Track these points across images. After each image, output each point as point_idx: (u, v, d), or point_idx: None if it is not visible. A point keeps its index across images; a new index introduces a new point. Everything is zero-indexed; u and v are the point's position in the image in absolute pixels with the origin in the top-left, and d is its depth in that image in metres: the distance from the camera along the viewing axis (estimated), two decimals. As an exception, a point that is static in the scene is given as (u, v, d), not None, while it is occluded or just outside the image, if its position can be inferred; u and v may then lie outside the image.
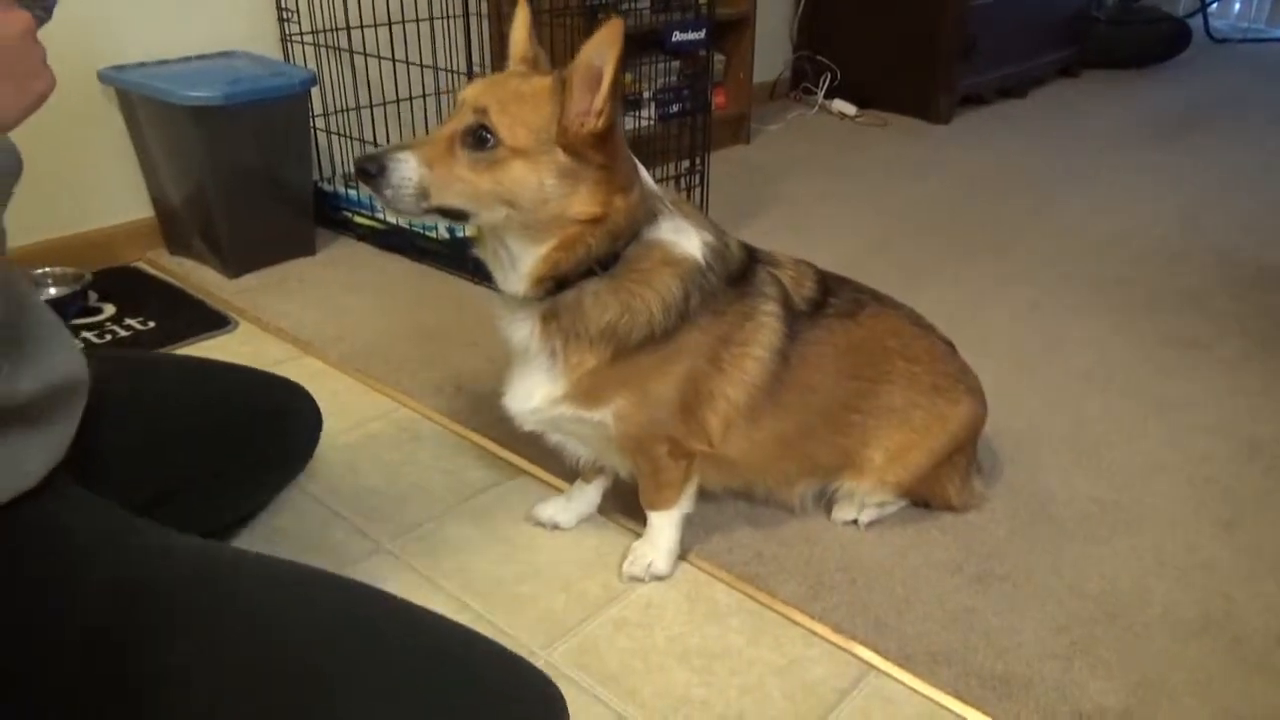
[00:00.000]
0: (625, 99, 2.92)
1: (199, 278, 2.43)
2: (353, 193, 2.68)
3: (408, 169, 1.15)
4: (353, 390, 1.96)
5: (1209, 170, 3.58)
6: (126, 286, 2.38)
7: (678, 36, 2.59)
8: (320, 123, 2.71)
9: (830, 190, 3.26)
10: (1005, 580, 1.47)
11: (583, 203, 1.20)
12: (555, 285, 1.25)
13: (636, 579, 1.46)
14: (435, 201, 1.17)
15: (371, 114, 2.73)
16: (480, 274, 2.24)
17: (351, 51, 2.66)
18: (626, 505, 1.58)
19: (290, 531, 1.55)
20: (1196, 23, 5.76)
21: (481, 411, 1.83)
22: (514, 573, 1.47)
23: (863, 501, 1.55)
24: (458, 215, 1.20)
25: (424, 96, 2.69)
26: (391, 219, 2.54)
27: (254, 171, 2.37)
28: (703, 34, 2.63)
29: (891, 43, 4.04)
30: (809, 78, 4.27)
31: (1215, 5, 6.20)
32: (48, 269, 2.27)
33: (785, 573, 1.47)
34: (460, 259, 2.41)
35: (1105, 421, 1.92)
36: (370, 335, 2.16)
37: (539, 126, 1.16)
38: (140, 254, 2.54)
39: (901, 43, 4.02)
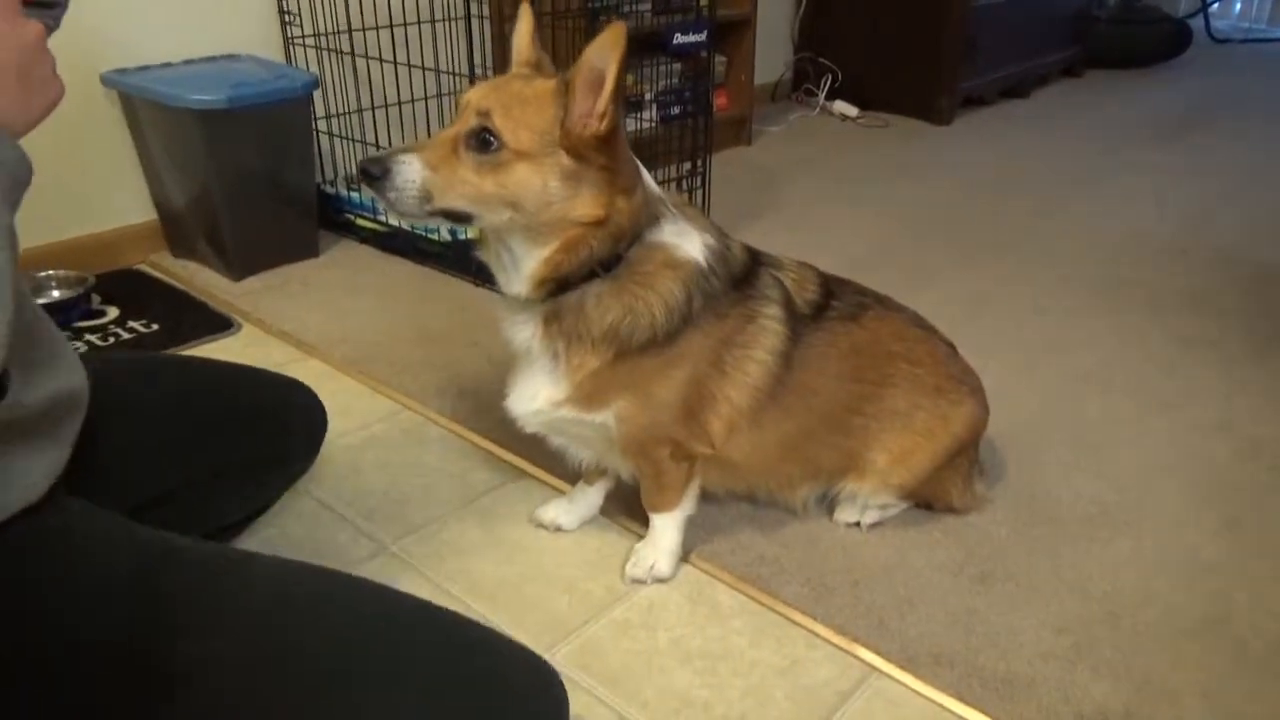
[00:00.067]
0: (627, 101, 2.92)
1: (202, 280, 2.44)
2: (355, 195, 2.68)
3: (411, 171, 1.15)
4: (355, 392, 1.96)
5: (1211, 170, 3.58)
6: (130, 289, 2.38)
7: (679, 38, 2.59)
8: (323, 125, 2.71)
9: (832, 192, 3.26)
10: (1007, 581, 1.48)
11: (585, 205, 1.20)
12: (557, 287, 1.26)
13: (639, 581, 1.46)
14: (439, 204, 1.18)
15: (374, 116, 2.74)
16: (482, 276, 2.24)
17: (354, 54, 2.66)
18: (629, 507, 1.58)
19: (293, 534, 1.55)
20: (1198, 23, 5.77)
21: (484, 413, 1.84)
22: (517, 574, 1.48)
23: (865, 503, 1.56)
24: (461, 218, 1.20)
25: (426, 99, 2.69)
26: (394, 221, 2.54)
27: (257, 174, 2.38)
28: (704, 36, 2.63)
29: (893, 44, 4.05)
30: (810, 79, 4.27)
31: (1216, 5, 6.20)
32: (51, 272, 2.28)
33: (787, 574, 1.47)
34: (462, 261, 2.41)
35: (1107, 422, 1.92)
36: (373, 337, 2.16)
37: (542, 129, 1.16)
38: (143, 257, 2.55)
39: (903, 44, 4.03)
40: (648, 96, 2.98)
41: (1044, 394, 2.02)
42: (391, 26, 2.66)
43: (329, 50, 2.67)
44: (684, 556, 1.50)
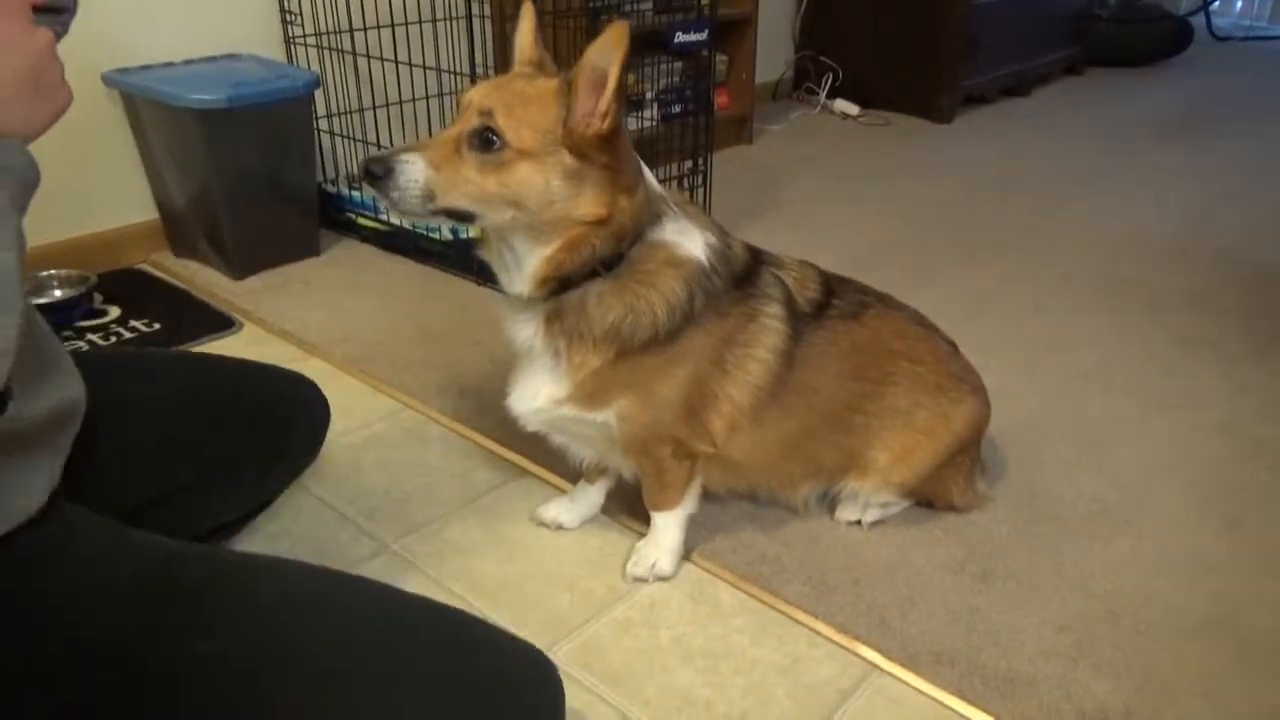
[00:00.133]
0: (628, 99, 2.92)
1: (204, 279, 2.44)
2: (356, 194, 2.68)
3: (414, 171, 1.15)
4: (357, 391, 1.97)
5: (1212, 169, 3.58)
6: (131, 289, 2.39)
7: (680, 37, 2.59)
8: (324, 124, 2.71)
9: (833, 190, 3.26)
10: (1008, 580, 1.48)
11: (588, 204, 1.20)
12: (559, 286, 1.26)
13: (640, 579, 1.46)
14: (441, 203, 1.18)
15: (375, 116, 2.74)
16: (484, 275, 2.25)
17: (355, 53, 2.66)
18: (630, 506, 1.58)
19: (295, 532, 1.55)
20: (1199, 21, 5.76)
21: (485, 412, 1.84)
22: (518, 573, 1.48)
23: (866, 502, 1.56)
24: (463, 217, 1.21)
25: (427, 98, 2.69)
26: (395, 220, 2.54)
27: (258, 173, 2.38)
28: (705, 34, 2.63)
29: (894, 42, 4.05)
30: (811, 78, 4.27)
31: (1217, 3, 6.20)
32: (53, 271, 2.28)
33: (789, 573, 1.48)
34: (464, 260, 2.41)
35: (1108, 421, 1.92)
36: (374, 336, 2.16)
37: (544, 128, 1.17)
38: (145, 256, 2.55)
39: (904, 42, 4.03)
40: (649, 95, 2.98)
41: (1045, 392, 2.02)
42: (393, 25, 2.66)
43: (330, 49, 2.67)
44: (685, 555, 1.50)
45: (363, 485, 1.67)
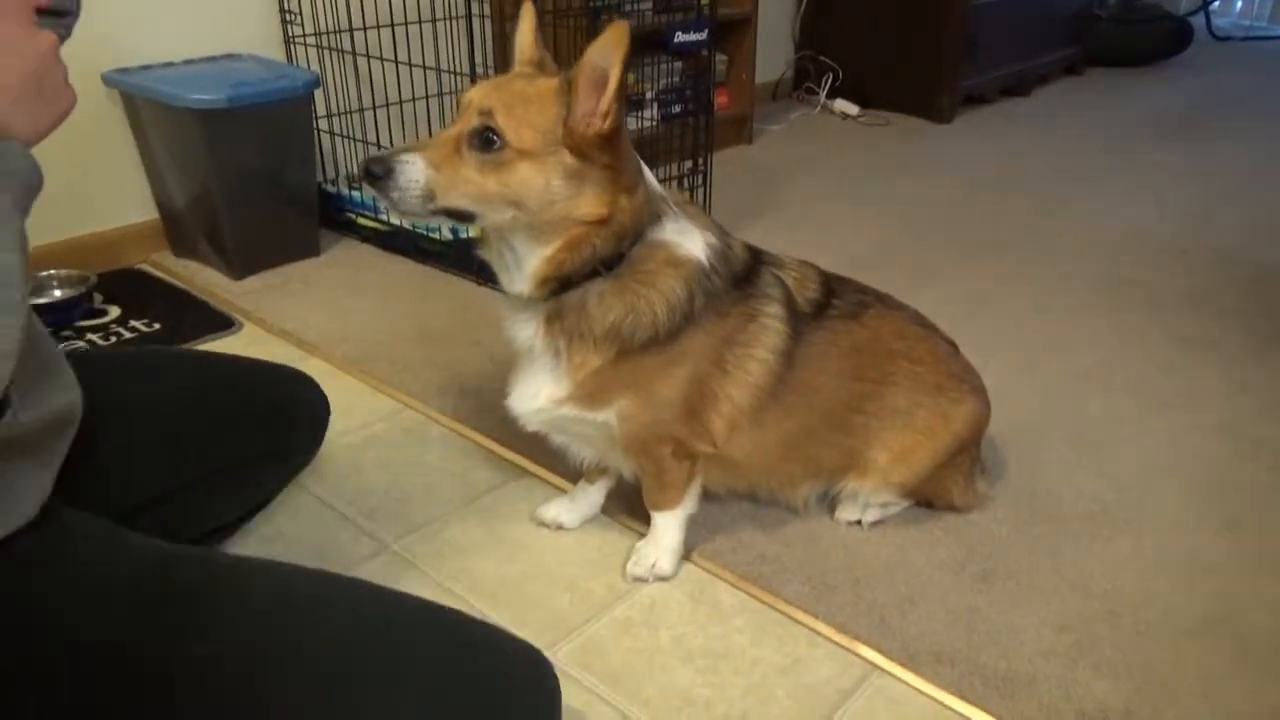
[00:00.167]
0: (628, 99, 2.92)
1: (204, 279, 2.44)
2: (356, 194, 2.68)
3: (414, 171, 1.15)
4: (357, 391, 1.97)
5: (1211, 169, 3.58)
6: (131, 288, 2.39)
7: (680, 37, 2.59)
8: (324, 124, 2.71)
9: (832, 190, 3.26)
10: (1008, 580, 1.48)
11: (588, 204, 1.20)
12: (560, 286, 1.26)
13: (640, 579, 1.46)
14: (442, 203, 1.18)
15: (375, 115, 2.74)
16: (484, 275, 2.25)
17: (355, 53, 2.66)
18: (630, 506, 1.58)
19: (295, 533, 1.55)
20: (1199, 21, 5.76)
21: (485, 412, 1.84)
22: (518, 573, 1.48)
23: (866, 502, 1.56)
24: (464, 217, 1.21)
25: (427, 98, 2.69)
26: (395, 220, 2.54)
27: (258, 173, 2.38)
28: (705, 34, 2.63)
29: (894, 42, 4.05)
30: (811, 77, 4.27)
31: (1217, 3, 6.21)
32: (53, 271, 2.28)
33: (789, 573, 1.48)
34: (464, 260, 2.41)
35: (1108, 420, 1.92)
36: (374, 336, 2.16)
37: (545, 128, 1.17)
38: (145, 256, 2.55)
39: (904, 42, 4.03)
40: (649, 95, 2.98)
41: (1045, 392, 2.02)
42: (393, 25, 2.66)
43: (330, 49, 2.67)
44: (685, 555, 1.50)
45: (363, 485, 1.67)
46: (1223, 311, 2.40)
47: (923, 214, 3.06)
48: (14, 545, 0.90)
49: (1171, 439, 1.87)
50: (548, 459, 1.65)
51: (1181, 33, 5.29)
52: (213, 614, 0.93)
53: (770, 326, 1.36)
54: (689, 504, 1.46)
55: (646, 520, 1.49)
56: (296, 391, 1.48)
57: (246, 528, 1.53)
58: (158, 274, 2.49)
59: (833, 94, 4.19)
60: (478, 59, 2.37)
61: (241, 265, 2.43)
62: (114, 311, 2.26)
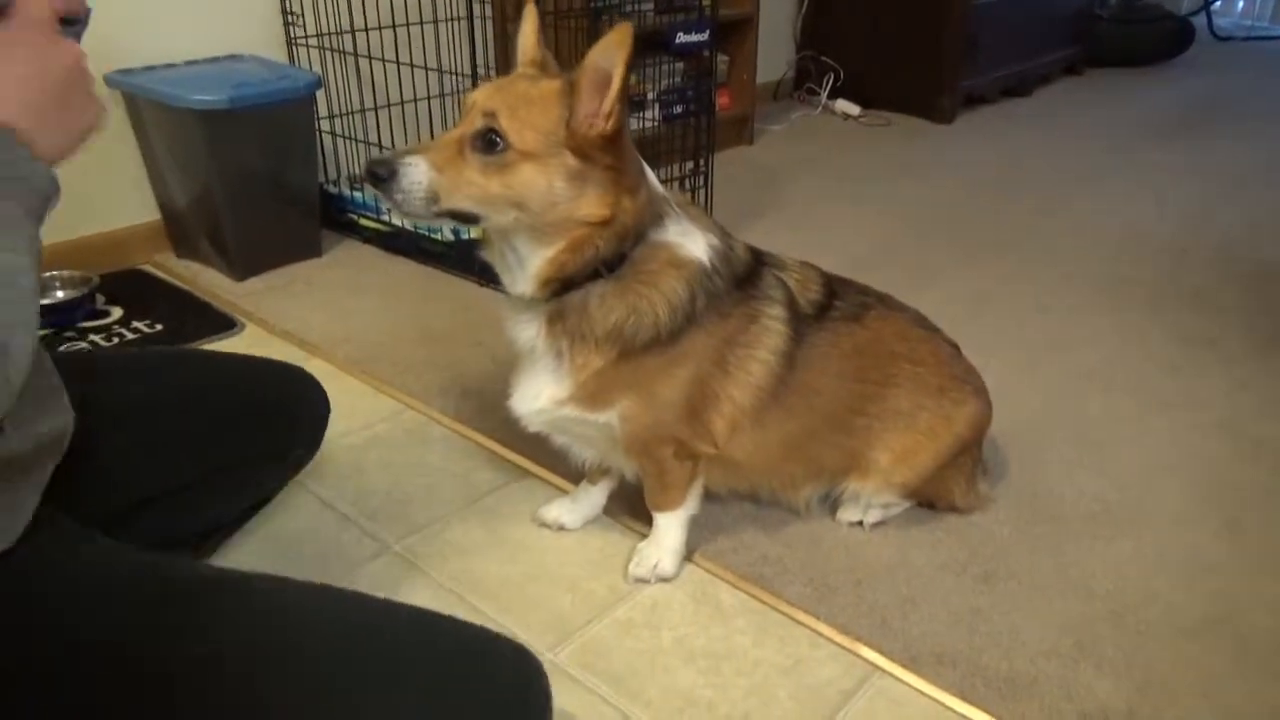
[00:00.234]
0: (629, 100, 2.92)
1: (206, 280, 2.44)
2: (358, 195, 2.69)
3: (418, 173, 1.16)
4: (359, 392, 1.97)
5: (1213, 168, 3.58)
6: (134, 289, 2.39)
7: (681, 38, 2.59)
8: (325, 125, 2.72)
9: (834, 191, 3.26)
10: (1010, 580, 1.48)
11: (591, 205, 1.21)
12: (562, 287, 1.26)
13: (642, 580, 1.46)
14: (445, 205, 1.18)
15: (376, 116, 2.74)
16: (486, 276, 2.25)
17: (356, 54, 2.66)
18: (632, 507, 1.58)
19: (296, 534, 1.56)
20: (1200, 21, 5.76)
21: (487, 413, 1.84)
22: (520, 574, 1.48)
23: (868, 503, 1.56)
24: (467, 218, 1.21)
25: (429, 99, 2.69)
26: (397, 221, 2.55)
27: (260, 174, 2.38)
28: (706, 35, 2.63)
29: (895, 42, 4.05)
30: (812, 78, 4.27)
31: (1219, 3, 6.20)
32: (55, 272, 2.28)
33: (790, 574, 1.48)
34: (465, 261, 2.42)
35: (1109, 421, 1.92)
36: (376, 337, 2.17)
37: (547, 130, 1.17)
38: (147, 257, 2.55)
39: (905, 42, 4.03)
40: (650, 96, 2.98)
41: (1046, 392, 2.02)
42: (394, 27, 2.66)
43: (332, 50, 2.68)
44: (687, 556, 1.50)
45: (364, 486, 1.67)
46: (1223, 310, 2.40)
47: (924, 214, 3.06)
48: (13, 552, 0.91)
49: (1172, 438, 1.87)
50: (549, 460, 1.65)
51: (1183, 33, 5.29)
52: (213, 614, 0.93)
53: (772, 328, 1.36)
54: (691, 505, 1.47)
55: (648, 521, 1.49)
56: (297, 390, 1.48)
57: (247, 528, 1.53)
58: (160, 275, 2.49)
59: (834, 94, 4.19)
60: (479, 60, 2.37)
61: (243, 266, 2.44)
62: (116, 312, 2.26)
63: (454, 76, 2.61)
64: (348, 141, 2.76)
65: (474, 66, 2.36)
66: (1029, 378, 2.07)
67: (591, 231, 1.22)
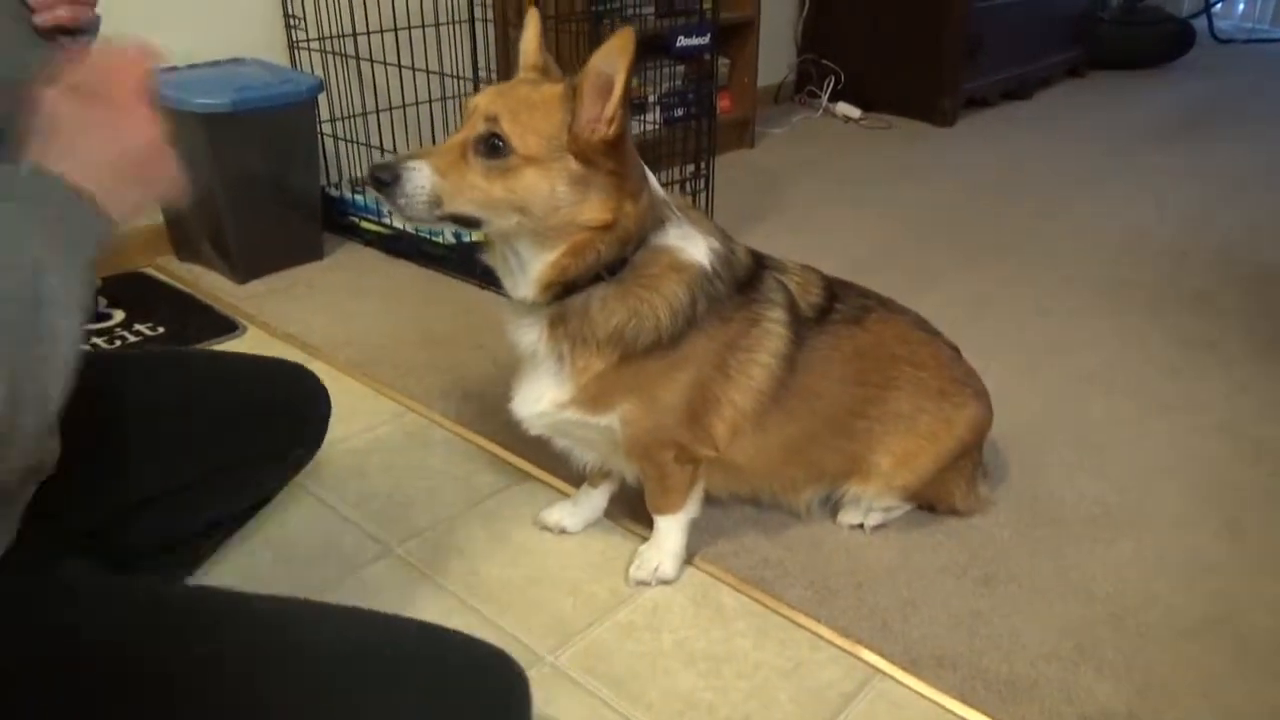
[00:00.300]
0: (631, 103, 2.93)
1: (208, 283, 2.45)
2: (360, 198, 2.69)
3: (421, 178, 1.16)
4: (360, 394, 1.97)
5: (1214, 171, 3.58)
6: (136, 292, 2.39)
7: (682, 41, 2.60)
8: (327, 128, 2.72)
9: (835, 194, 3.26)
10: (1010, 583, 1.48)
11: (594, 209, 1.21)
12: (564, 290, 1.26)
13: (643, 583, 1.46)
14: (448, 209, 1.18)
15: (378, 119, 2.74)
16: (487, 279, 2.26)
17: (358, 58, 2.67)
18: (633, 510, 1.59)
19: (298, 535, 1.56)
20: (1201, 23, 5.76)
21: (489, 416, 1.84)
22: (521, 577, 1.48)
23: (869, 506, 1.56)
24: (470, 223, 1.21)
25: (430, 102, 2.70)
26: (398, 224, 2.55)
27: (262, 177, 2.38)
28: (707, 38, 2.63)
29: (895, 45, 4.05)
30: (813, 81, 4.27)
31: (1219, 6, 6.20)
32: (58, 275, 2.29)
33: (791, 577, 1.48)
34: (467, 264, 2.42)
35: (1110, 423, 1.93)
36: (378, 340, 2.17)
37: (550, 134, 1.17)
38: (149, 260, 2.55)
39: (906, 45, 4.03)
40: (651, 99, 2.98)
41: (1046, 395, 2.02)
42: (396, 30, 2.67)
43: (334, 54, 2.68)
44: (688, 559, 1.50)
45: (366, 489, 1.68)
46: (1223, 312, 2.40)
47: (925, 217, 3.06)
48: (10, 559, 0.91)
49: (1172, 441, 1.87)
50: (551, 463, 1.65)
51: (1184, 35, 5.29)
52: (212, 615, 0.93)
53: (773, 331, 1.37)
54: (691, 508, 1.47)
55: (649, 524, 1.49)
56: (298, 389, 1.48)
57: (247, 529, 1.54)
58: (162, 278, 2.50)
59: (834, 97, 4.19)
60: (480, 63, 2.38)
61: (245, 269, 2.44)
62: (118, 315, 2.27)
63: (455, 80, 2.62)
64: (349, 144, 2.76)
65: (475, 70, 2.36)
66: (1029, 380, 2.07)
67: (594, 236, 1.22)
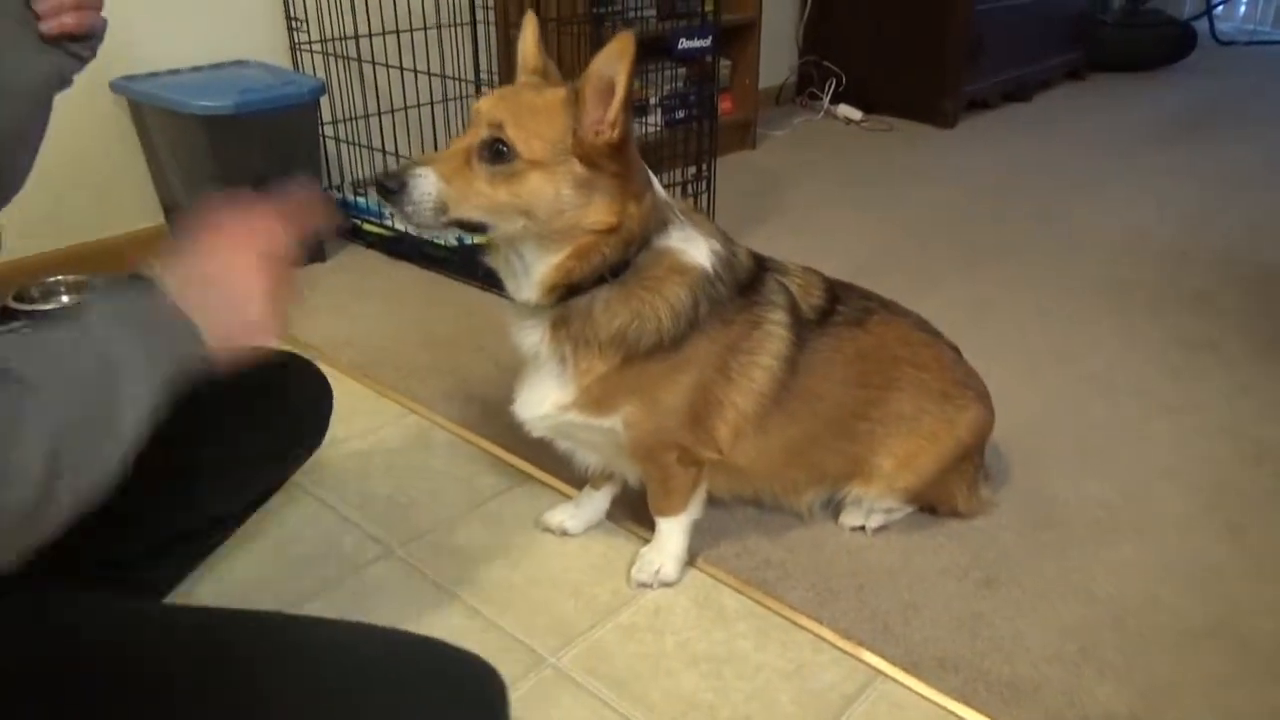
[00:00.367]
0: (632, 105, 2.93)
1: (209, 285, 2.45)
2: (362, 200, 2.69)
3: (427, 185, 1.16)
4: (362, 396, 1.98)
5: (1215, 173, 3.58)
6: (138, 294, 2.39)
7: (684, 43, 2.60)
8: (329, 131, 2.72)
9: (836, 196, 3.27)
10: (1012, 585, 1.48)
11: (598, 212, 1.21)
12: (567, 293, 1.27)
13: (645, 585, 1.47)
14: (454, 215, 1.18)
15: (380, 122, 2.74)
16: (489, 280, 2.26)
17: (360, 60, 2.67)
18: (635, 511, 1.59)
19: (299, 537, 1.56)
20: (1202, 25, 5.76)
21: (491, 418, 1.85)
22: (523, 578, 1.49)
23: (870, 507, 1.56)
24: (475, 227, 1.22)
25: (432, 104, 2.70)
26: (400, 226, 2.55)
27: (264, 180, 2.38)
28: (709, 40, 2.64)
29: (897, 47, 4.06)
30: (815, 83, 4.28)
31: (1221, 8, 6.20)
32: (60, 277, 2.28)
33: (793, 578, 1.48)
34: (469, 266, 2.42)
35: (1112, 425, 1.93)
36: (380, 341, 2.17)
37: (554, 138, 1.17)
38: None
39: (907, 47, 4.03)
40: (652, 101, 2.99)
41: (1048, 397, 2.02)
42: (398, 32, 2.67)
43: (336, 56, 2.69)
44: (690, 561, 1.51)
45: (367, 490, 1.68)
46: (1224, 313, 2.40)
47: (926, 219, 3.06)
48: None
49: (1174, 442, 1.87)
50: (553, 465, 1.65)
51: (1185, 37, 5.29)
52: (213, 614, 0.94)
53: (775, 333, 1.37)
54: (694, 510, 1.47)
55: (651, 526, 1.50)
56: (299, 385, 1.48)
57: (248, 530, 1.53)
58: (164, 279, 2.49)
59: (836, 99, 4.19)
60: (482, 65, 2.38)
61: (247, 271, 2.44)
62: (121, 317, 2.26)
63: (458, 82, 2.62)
64: (351, 147, 2.77)
65: (477, 72, 2.37)
66: (1030, 382, 2.07)
67: (598, 238, 1.22)
